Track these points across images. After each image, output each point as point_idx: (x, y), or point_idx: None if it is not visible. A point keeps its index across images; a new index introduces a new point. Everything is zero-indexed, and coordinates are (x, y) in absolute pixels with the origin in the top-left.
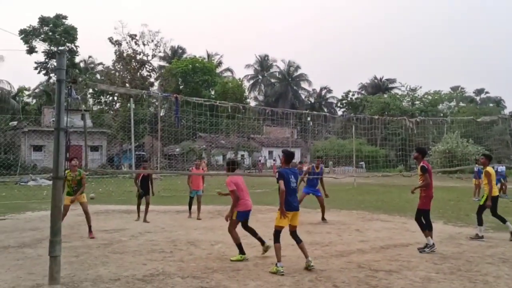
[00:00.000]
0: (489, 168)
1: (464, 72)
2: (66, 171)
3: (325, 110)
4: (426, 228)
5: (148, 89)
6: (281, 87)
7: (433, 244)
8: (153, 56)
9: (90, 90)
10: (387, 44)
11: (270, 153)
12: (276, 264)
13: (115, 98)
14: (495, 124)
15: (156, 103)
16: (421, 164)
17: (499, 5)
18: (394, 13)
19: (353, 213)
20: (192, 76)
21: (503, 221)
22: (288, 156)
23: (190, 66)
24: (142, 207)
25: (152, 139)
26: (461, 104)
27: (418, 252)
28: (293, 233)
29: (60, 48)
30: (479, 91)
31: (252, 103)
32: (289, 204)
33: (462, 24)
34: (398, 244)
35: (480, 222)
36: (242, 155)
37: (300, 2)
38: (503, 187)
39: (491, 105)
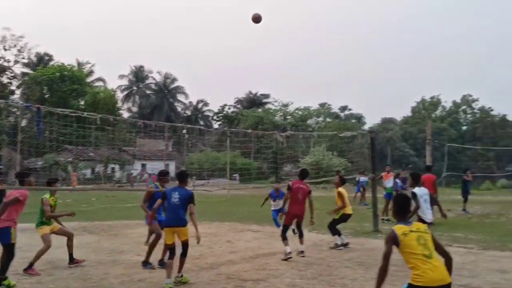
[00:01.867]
0: (341, 189)
1: (330, 90)
2: (48, 196)
3: (201, 123)
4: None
5: (8, 97)
6: (157, 99)
7: (290, 252)
8: (16, 62)
9: None
10: (262, 60)
11: (143, 165)
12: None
13: None
14: (356, 139)
15: (17, 113)
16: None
17: (363, 34)
18: (268, 32)
19: (225, 224)
20: (60, 84)
21: (334, 234)
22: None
23: (58, 74)
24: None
25: (10, 151)
26: (328, 119)
27: (285, 260)
28: (184, 245)
29: None
30: (343, 108)
31: (126, 115)
32: (167, 220)
33: (328, 47)
34: (267, 253)
35: (334, 233)
36: (113, 168)
37: (178, 15)
38: (363, 195)
39: (353, 121)
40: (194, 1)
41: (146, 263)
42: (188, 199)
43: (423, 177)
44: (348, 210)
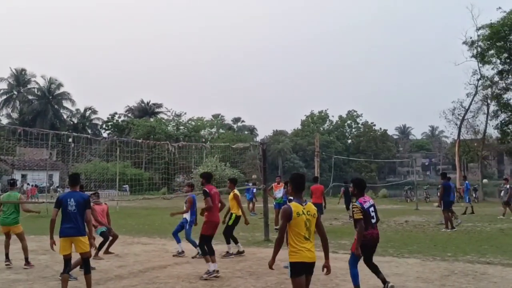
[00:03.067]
0: (236, 191)
1: (224, 101)
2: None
3: (89, 131)
4: (208, 253)
5: None
6: (40, 105)
7: (214, 270)
8: None
9: None
10: (154, 69)
11: (24, 176)
12: None
13: None
14: (249, 150)
15: None
16: (204, 188)
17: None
18: (161, 38)
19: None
20: None
21: (229, 242)
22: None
23: None
24: None
25: None
26: (221, 130)
27: (176, 273)
28: (84, 260)
29: None
30: (236, 120)
31: (5, 121)
32: (62, 230)
33: (224, 59)
34: (157, 267)
35: (229, 241)
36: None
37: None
38: (253, 205)
39: (246, 132)
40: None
41: None
42: (85, 204)
43: (312, 188)
44: (239, 212)
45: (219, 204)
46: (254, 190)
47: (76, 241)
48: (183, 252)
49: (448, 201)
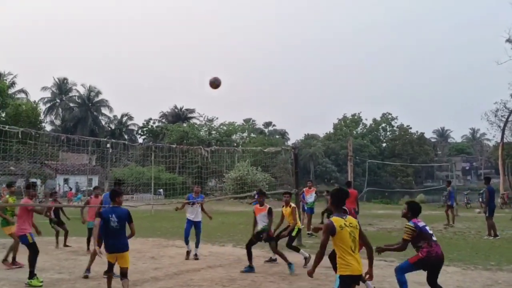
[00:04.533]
0: (294, 204)
1: (255, 106)
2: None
3: (126, 137)
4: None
5: None
6: (81, 112)
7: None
8: None
9: None
10: (187, 75)
11: (66, 180)
12: None
13: None
14: (280, 154)
15: None
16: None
17: (288, 51)
18: (192, 46)
19: (149, 240)
20: None
21: (298, 250)
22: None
23: None
24: None
25: None
26: (252, 135)
27: (209, 276)
28: (123, 275)
29: None
30: (267, 124)
31: (48, 128)
32: (108, 246)
33: (253, 63)
34: (191, 270)
35: (297, 250)
36: (34, 183)
37: (101, 29)
38: None
39: (277, 136)
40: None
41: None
42: (127, 219)
43: None
44: (299, 224)
45: None
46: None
47: (120, 256)
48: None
49: (494, 207)
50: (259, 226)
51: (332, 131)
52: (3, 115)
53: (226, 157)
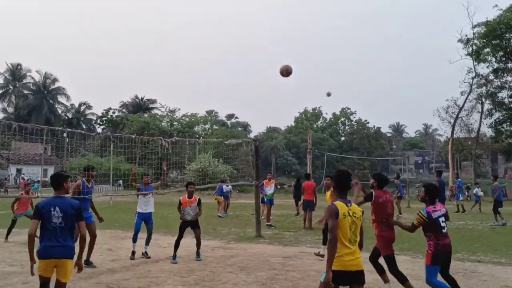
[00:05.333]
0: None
1: (218, 98)
2: None
3: (84, 126)
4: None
5: None
6: (35, 100)
7: None
8: None
9: None
10: (148, 65)
11: (19, 170)
12: None
13: None
14: (242, 146)
15: None
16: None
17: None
18: (157, 35)
19: (106, 232)
20: None
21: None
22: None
23: None
24: None
25: None
26: (215, 127)
27: (168, 267)
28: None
29: None
30: (230, 116)
31: (0, 115)
32: (45, 249)
33: (218, 55)
34: (149, 261)
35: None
36: None
37: (61, 16)
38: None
39: (239, 129)
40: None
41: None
42: (75, 214)
43: (304, 185)
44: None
45: None
46: (230, 189)
47: (60, 265)
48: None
49: (444, 198)
50: (188, 217)
51: (293, 124)
52: None
53: (188, 149)
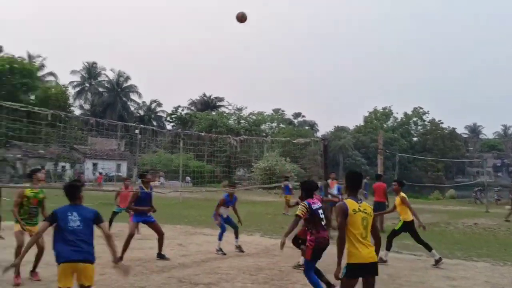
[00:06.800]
0: (403, 194)
1: (285, 96)
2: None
3: (154, 123)
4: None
5: None
6: (110, 97)
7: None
8: None
9: None
10: (218, 62)
11: (95, 165)
12: None
13: None
14: (309, 145)
15: None
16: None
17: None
18: (225, 34)
19: (176, 227)
20: (9, 77)
21: (429, 248)
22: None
23: (7, 66)
24: None
25: None
26: (281, 125)
27: (237, 264)
28: None
29: None
30: (296, 115)
31: (77, 112)
32: (63, 253)
33: (284, 53)
34: (219, 257)
35: (388, 247)
36: (63, 167)
37: (132, 16)
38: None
39: (306, 127)
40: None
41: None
42: (93, 218)
43: (374, 186)
44: (409, 216)
45: None
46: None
47: (81, 270)
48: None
49: None
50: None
51: (362, 123)
52: (33, 97)
53: (255, 147)
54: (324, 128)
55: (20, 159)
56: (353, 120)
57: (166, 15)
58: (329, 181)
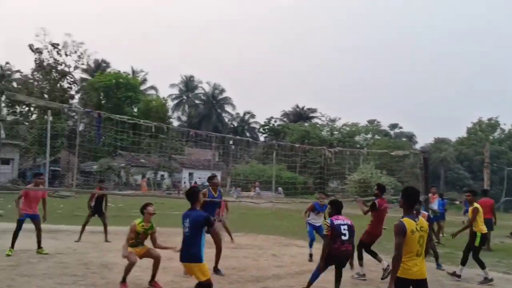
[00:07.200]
0: (477, 204)
1: (380, 107)
2: (138, 221)
3: (248, 134)
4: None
5: (68, 101)
6: (205, 109)
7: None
8: (75, 67)
9: (3, 98)
10: (309, 74)
11: (191, 174)
12: None
13: (32, 109)
14: (407, 158)
15: (76, 117)
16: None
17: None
18: (317, 45)
19: (270, 238)
20: (115, 91)
21: (483, 266)
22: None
23: (114, 81)
24: (87, 227)
25: (68, 154)
26: (376, 136)
27: (331, 278)
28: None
29: None
30: (393, 126)
31: (175, 123)
32: (180, 254)
33: (382, 62)
34: (313, 270)
35: (482, 265)
36: (162, 175)
37: (225, 28)
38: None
39: (404, 139)
40: (242, 13)
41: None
42: (202, 224)
43: (480, 202)
44: (484, 229)
45: None
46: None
47: (189, 268)
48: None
49: None
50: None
51: (465, 135)
52: (135, 110)
53: (349, 159)
54: (423, 140)
55: (124, 167)
56: (455, 131)
57: (258, 28)
58: (430, 195)
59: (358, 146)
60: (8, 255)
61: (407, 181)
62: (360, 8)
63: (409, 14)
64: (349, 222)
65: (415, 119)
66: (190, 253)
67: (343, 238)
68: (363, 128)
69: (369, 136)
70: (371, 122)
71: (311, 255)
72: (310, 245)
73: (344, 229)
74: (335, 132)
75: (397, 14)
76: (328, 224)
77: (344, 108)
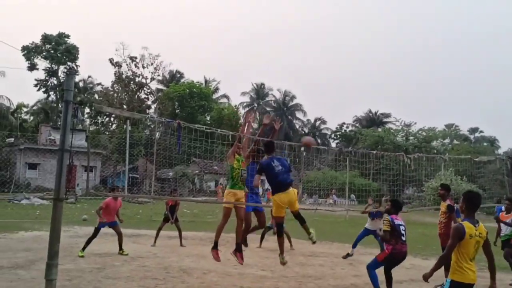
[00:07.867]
0: None
1: (458, 110)
2: None
3: (319, 141)
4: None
5: (146, 111)
6: (276, 116)
7: None
8: (152, 79)
9: (87, 110)
10: (383, 79)
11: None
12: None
13: (112, 119)
14: (490, 164)
15: (152, 126)
16: (448, 202)
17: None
18: (392, 50)
19: (345, 246)
20: (189, 100)
21: None
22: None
23: (187, 90)
24: (161, 233)
25: (145, 162)
26: (455, 142)
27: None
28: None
29: (69, 68)
30: (473, 130)
31: None
32: (276, 185)
33: (459, 63)
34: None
35: None
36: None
37: (296, 36)
38: None
39: (485, 144)
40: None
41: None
42: (289, 166)
43: None
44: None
45: None
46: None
47: (287, 194)
48: None
49: None
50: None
51: None
52: (208, 118)
53: (426, 165)
54: (506, 144)
55: (197, 174)
56: None
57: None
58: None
59: (435, 151)
60: (82, 257)
61: (490, 188)
62: (426, 7)
63: (489, 7)
64: (404, 223)
65: (497, 122)
66: (285, 177)
67: (403, 238)
68: (441, 133)
69: (447, 141)
70: (449, 126)
71: (348, 254)
72: (354, 246)
73: (402, 230)
74: (411, 137)
75: (477, 8)
76: (389, 220)
77: (420, 113)
